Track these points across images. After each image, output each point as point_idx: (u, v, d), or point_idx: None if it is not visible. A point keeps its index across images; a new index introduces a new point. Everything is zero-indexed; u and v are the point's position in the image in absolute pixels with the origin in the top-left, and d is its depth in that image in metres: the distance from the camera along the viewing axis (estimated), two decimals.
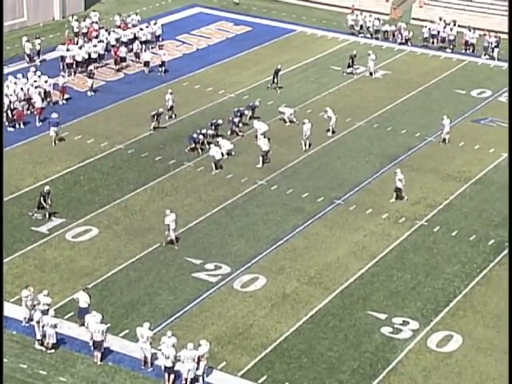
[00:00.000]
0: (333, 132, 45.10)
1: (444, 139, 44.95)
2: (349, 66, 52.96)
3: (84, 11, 60.29)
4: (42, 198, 36.34)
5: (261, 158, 41.50)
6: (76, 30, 55.07)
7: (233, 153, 42.19)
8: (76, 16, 57.03)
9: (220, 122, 43.82)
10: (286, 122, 45.90)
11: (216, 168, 40.91)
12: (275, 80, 49.98)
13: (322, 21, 62.10)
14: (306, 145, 43.23)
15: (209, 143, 42.38)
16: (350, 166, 42.30)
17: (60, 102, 47.00)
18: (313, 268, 34.44)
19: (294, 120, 45.76)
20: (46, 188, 36.71)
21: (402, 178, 38.64)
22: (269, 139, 42.09)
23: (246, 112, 45.28)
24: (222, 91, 49.61)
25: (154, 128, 44.45)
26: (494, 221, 38.42)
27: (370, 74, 52.69)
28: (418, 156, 43.96)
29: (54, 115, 43.43)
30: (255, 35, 58.96)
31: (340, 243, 36.26)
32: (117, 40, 53.39)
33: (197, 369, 27.80)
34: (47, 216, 36.46)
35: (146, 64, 51.86)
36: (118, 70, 51.67)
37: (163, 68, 51.74)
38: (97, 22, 55.56)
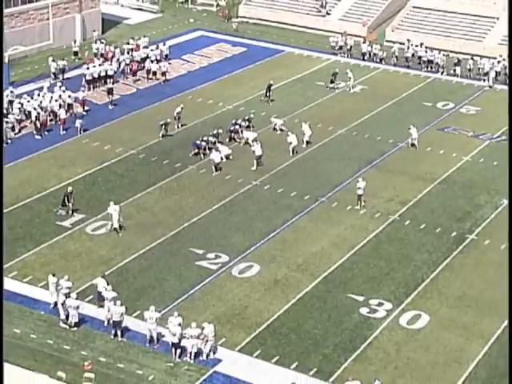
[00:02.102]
0: (308, 143, 44.52)
1: (412, 144, 44.90)
2: (331, 82, 52.94)
3: (102, 35, 60.17)
4: (65, 197, 36.22)
5: (255, 162, 41.46)
6: (95, 51, 54.95)
7: (231, 157, 42.14)
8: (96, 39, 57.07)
9: (220, 131, 43.78)
10: (276, 131, 45.86)
11: (216, 170, 40.86)
12: (268, 94, 49.92)
13: (308, 42, 61.99)
14: (292, 152, 43.08)
15: (210, 149, 42.32)
16: (332, 168, 42.28)
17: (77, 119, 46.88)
18: (300, 257, 34.44)
19: (284, 129, 45.68)
20: (69, 188, 36.59)
21: (363, 187, 38.04)
22: (261, 145, 42.05)
23: (243, 123, 45.19)
24: (221, 103, 49.58)
25: (162, 136, 44.36)
26: (456, 215, 38.43)
27: (349, 89, 52.63)
28: (391, 159, 43.95)
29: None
30: (250, 55, 58.86)
31: (324, 235, 36.25)
32: (131, 60, 53.43)
33: (204, 347, 27.84)
34: (70, 212, 36.37)
35: (164, 74, 52.92)
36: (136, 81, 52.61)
37: (165, 78, 52.68)
38: (111, 45, 55.48)
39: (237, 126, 44.71)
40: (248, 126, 45.38)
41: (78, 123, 44.57)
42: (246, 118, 45.99)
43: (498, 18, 61.67)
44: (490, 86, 54.37)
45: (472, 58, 56.47)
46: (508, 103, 48.80)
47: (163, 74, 52.98)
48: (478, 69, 55.60)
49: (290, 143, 43.16)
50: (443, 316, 31.13)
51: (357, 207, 38.13)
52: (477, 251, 35.59)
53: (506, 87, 54.30)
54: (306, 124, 45.01)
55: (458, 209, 39.01)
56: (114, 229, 35.35)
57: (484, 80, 55.23)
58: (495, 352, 29.34)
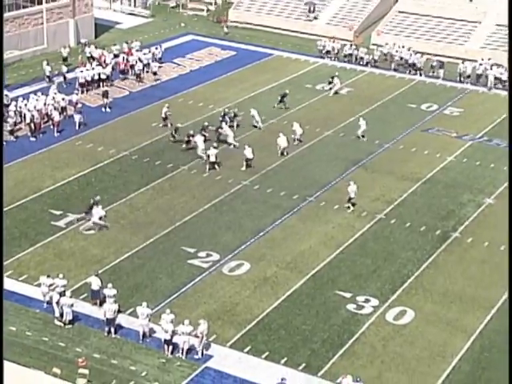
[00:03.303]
0: (300, 141, 44.82)
1: (362, 135, 45.37)
2: (329, 83, 52.81)
3: (95, 39, 60.04)
4: (92, 204, 35.55)
5: (244, 163, 41.43)
6: (88, 55, 54.81)
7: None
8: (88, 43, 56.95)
9: (206, 123, 44.06)
10: (255, 127, 45.89)
11: (209, 169, 40.75)
12: (282, 101, 49.19)
13: (296, 46, 62.01)
14: (281, 153, 43.02)
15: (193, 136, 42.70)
16: (320, 168, 42.30)
17: (74, 116, 46.64)
18: (289, 255, 34.45)
19: (260, 126, 46.00)
20: (98, 197, 36.05)
21: (355, 190, 37.80)
22: (252, 149, 41.90)
23: (227, 119, 45.41)
24: (211, 106, 49.52)
25: (175, 141, 43.72)
26: (440, 214, 38.52)
27: (336, 92, 52.62)
28: (378, 160, 44.01)
29: (79, 105, 46.48)
30: (239, 58, 58.81)
31: (312, 234, 36.27)
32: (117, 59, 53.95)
33: (199, 345, 27.88)
34: (87, 219, 35.62)
35: (155, 74, 53.53)
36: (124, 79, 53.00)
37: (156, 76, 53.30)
38: (104, 49, 55.44)
39: (223, 123, 44.79)
40: (231, 126, 45.26)
41: (76, 118, 44.95)
42: (232, 113, 46.09)
43: (479, 23, 61.86)
44: (490, 89, 54.15)
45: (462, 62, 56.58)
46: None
47: (154, 73, 53.19)
48: (460, 73, 55.67)
49: (279, 146, 43.11)
50: (428, 312, 31.21)
51: (349, 209, 37.82)
52: (460, 249, 35.68)
53: (486, 89, 54.47)
54: (296, 123, 45.12)
55: (442, 207, 39.10)
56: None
57: (466, 82, 55.31)
58: (478, 346, 29.46)
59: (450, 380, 27.78)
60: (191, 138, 42.83)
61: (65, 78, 51.15)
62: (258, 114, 46.53)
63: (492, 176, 42.63)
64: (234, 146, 43.54)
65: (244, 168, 41.29)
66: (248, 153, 41.52)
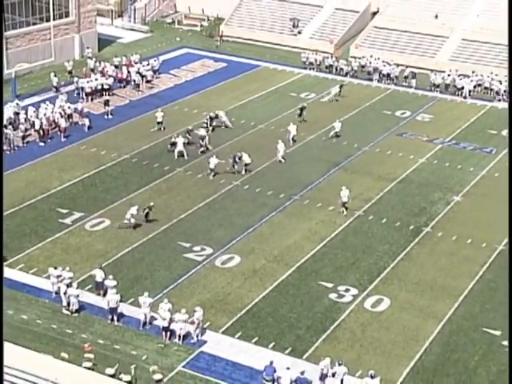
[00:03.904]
0: (294, 141, 45.09)
1: (337, 135, 45.41)
2: (340, 88, 52.87)
3: (98, 52, 59.88)
4: (147, 210, 35.20)
5: (243, 168, 40.77)
6: (92, 66, 54.68)
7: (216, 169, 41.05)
8: (92, 55, 56.81)
9: (190, 127, 44.15)
10: (227, 127, 46.11)
11: (214, 175, 40.26)
12: (301, 115, 48.36)
13: (282, 58, 61.92)
14: (280, 161, 42.63)
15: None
16: (304, 170, 42.26)
17: (79, 123, 46.60)
18: (276, 249, 34.42)
19: (230, 125, 45.92)
20: (151, 204, 35.68)
21: (347, 195, 37.39)
22: (249, 155, 41.64)
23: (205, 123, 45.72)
24: (205, 113, 49.25)
25: (189, 143, 43.61)
26: (413, 211, 38.56)
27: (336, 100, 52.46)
28: (356, 162, 44.02)
29: (86, 109, 46.63)
30: (230, 69, 58.71)
31: (297, 230, 36.25)
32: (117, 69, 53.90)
33: (195, 330, 27.84)
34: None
35: (148, 82, 53.73)
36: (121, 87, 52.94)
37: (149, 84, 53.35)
38: (107, 61, 55.32)
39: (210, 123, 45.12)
40: (207, 126, 45.27)
41: (85, 121, 45.25)
42: (212, 116, 46.06)
43: (447, 37, 61.99)
44: (465, 97, 54.00)
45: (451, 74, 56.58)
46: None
47: (148, 81, 53.19)
48: (431, 83, 55.76)
49: (278, 151, 42.81)
50: (402, 300, 31.25)
51: (343, 213, 37.28)
52: (431, 242, 35.74)
53: (455, 97, 54.59)
54: (293, 125, 45.37)
55: (415, 205, 39.15)
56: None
57: (436, 91, 55.42)
58: (447, 330, 29.53)
59: (423, 361, 27.84)
60: (176, 140, 42.74)
61: (78, 88, 51.00)
62: (225, 115, 46.51)
63: (460, 176, 42.71)
64: (207, 148, 43.11)
65: (243, 172, 40.80)
66: (246, 158, 41.06)
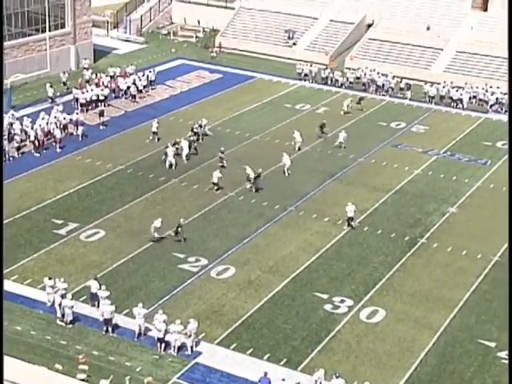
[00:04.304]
0: (299, 149, 45.46)
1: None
2: (358, 102, 52.87)
3: (93, 63, 59.95)
4: (178, 228, 34.77)
5: (247, 182, 40.49)
6: (87, 78, 54.76)
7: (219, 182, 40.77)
8: (88, 67, 56.93)
9: (177, 139, 44.15)
10: (207, 135, 46.44)
11: (217, 189, 40.05)
12: (322, 131, 47.90)
13: (277, 69, 62.07)
14: (287, 171, 42.49)
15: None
16: (299, 181, 42.27)
17: (74, 133, 46.62)
18: (271, 260, 34.38)
19: (208, 133, 46.38)
20: (182, 220, 35.28)
21: (353, 210, 37.08)
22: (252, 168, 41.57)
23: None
24: (207, 127, 49.32)
25: (194, 141, 44.55)
26: (408, 222, 38.57)
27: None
28: (351, 173, 44.06)
29: (81, 117, 47.17)
30: (225, 81, 58.83)
31: (292, 240, 36.23)
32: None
33: (189, 341, 27.76)
34: (182, 240, 34.90)
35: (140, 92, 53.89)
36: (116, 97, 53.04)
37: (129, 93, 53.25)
38: (102, 72, 55.44)
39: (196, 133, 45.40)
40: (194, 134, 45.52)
41: (80, 130, 45.39)
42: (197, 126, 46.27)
43: (442, 49, 62.27)
44: (465, 109, 53.92)
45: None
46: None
47: (140, 91, 53.36)
48: (424, 93, 55.96)
49: (284, 164, 42.64)
50: (398, 311, 31.23)
51: (348, 227, 37.01)
52: (426, 253, 35.75)
53: (450, 109, 54.77)
54: (297, 132, 45.59)
55: (410, 216, 39.17)
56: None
57: (431, 103, 55.58)
58: (443, 342, 29.50)
59: (418, 372, 27.79)
60: (167, 150, 42.76)
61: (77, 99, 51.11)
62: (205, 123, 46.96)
63: (455, 187, 42.79)
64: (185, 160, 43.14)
65: (248, 186, 40.42)
66: (250, 172, 40.59)
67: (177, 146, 43.71)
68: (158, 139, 45.83)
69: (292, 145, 45.62)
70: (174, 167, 42.44)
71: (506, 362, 28.37)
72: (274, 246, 35.49)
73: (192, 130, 46.07)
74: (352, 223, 37.13)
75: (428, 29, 63.14)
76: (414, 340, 29.45)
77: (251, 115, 51.91)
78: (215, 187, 40.12)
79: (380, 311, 31.05)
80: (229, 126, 49.57)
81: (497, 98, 54.60)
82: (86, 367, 26.17)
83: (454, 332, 30.03)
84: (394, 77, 57.65)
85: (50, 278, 30.08)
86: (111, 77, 54.68)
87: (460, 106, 54.64)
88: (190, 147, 44.23)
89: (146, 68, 57.96)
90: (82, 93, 50.67)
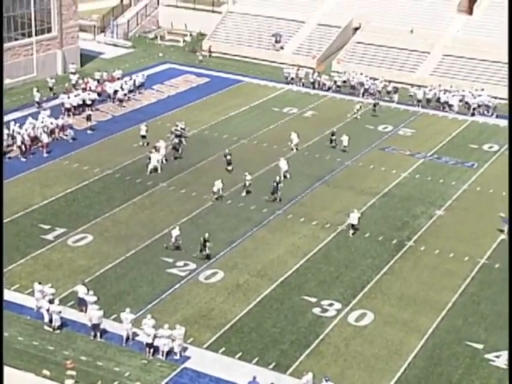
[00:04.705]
0: (296, 149, 45.92)
1: (296, 148, 46.17)
2: (374, 108, 53.13)
3: (81, 68, 59.85)
4: (204, 242, 34.01)
5: (244, 189, 40.39)
6: (73, 82, 54.66)
7: (221, 192, 40.17)
8: (75, 71, 56.85)
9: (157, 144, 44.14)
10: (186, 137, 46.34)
11: (216, 199, 39.63)
12: (332, 140, 47.22)
13: (264, 73, 62.21)
14: (285, 176, 42.33)
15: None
16: (287, 184, 42.19)
17: (60, 138, 46.49)
18: (259, 264, 34.40)
19: (187, 134, 46.31)
20: (207, 235, 34.33)
21: (357, 217, 36.94)
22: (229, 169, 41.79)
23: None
24: (188, 128, 49.31)
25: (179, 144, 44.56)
26: (396, 225, 38.70)
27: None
28: (339, 176, 44.15)
29: (70, 121, 47.47)
30: (213, 85, 58.86)
31: (280, 244, 36.27)
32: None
33: (178, 347, 27.71)
34: (204, 255, 34.17)
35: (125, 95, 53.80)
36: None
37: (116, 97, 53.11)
38: (88, 77, 55.37)
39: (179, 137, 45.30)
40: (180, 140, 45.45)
41: (68, 133, 45.58)
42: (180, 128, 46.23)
43: (428, 53, 62.58)
44: (457, 113, 53.97)
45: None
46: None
47: (125, 94, 53.06)
48: (410, 96, 56.22)
49: (280, 168, 42.62)
50: (386, 314, 31.31)
51: (352, 235, 36.88)
52: (414, 256, 35.87)
53: (436, 112, 55.01)
54: (294, 133, 45.97)
55: (398, 219, 39.29)
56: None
57: (418, 106, 55.80)
58: (431, 344, 29.60)
59: (406, 375, 27.87)
60: (150, 155, 42.80)
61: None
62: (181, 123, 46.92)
63: (442, 190, 42.98)
64: (159, 165, 42.75)
65: (244, 194, 40.26)
66: (248, 179, 40.46)
67: (156, 149, 43.62)
68: (147, 144, 45.79)
69: (289, 145, 45.99)
70: (157, 170, 42.30)
71: (494, 363, 28.52)
72: (262, 250, 35.52)
73: (172, 133, 45.99)
74: (351, 230, 36.94)
75: (412, 32, 63.45)
76: (402, 343, 29.53)
77: (239, 119, 51.97)
78: (215, 196, 39.57)
79: (368, 314, 31.12)
80: (216, 130, 49.60)
81: (478, 103, 54.73)
82: (73, 373, 26.09)
83: (441, 334, 30.15)
84: (385, 81, 57.76)
85: (39, 283, 29.96)
86: (98, 81, 54.65)
87: (450, 109, 54.79)
88: (176, 149, 44.27)
89: (133, 72, 57.92)
90: (68, 97, 50.58)
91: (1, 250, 31.01)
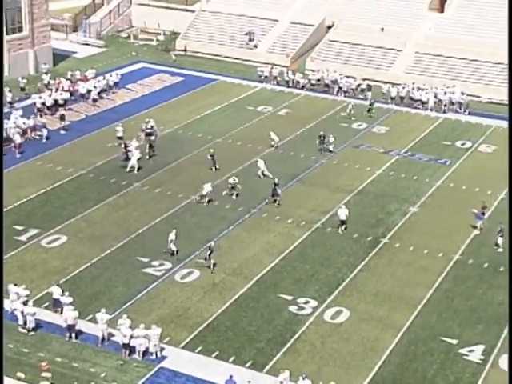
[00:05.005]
0: (276, 147, 46.08)
1: (277, 146, 46.28)
2: (369, 108, 53.17)
3: (53, 67, 59.39)
4: (210, 252, 33.33)
5: (234, 193, 40.12)
6: (46, 82, 54.24)
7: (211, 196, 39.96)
8: (46, 71, 56.41)
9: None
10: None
11: (208, 202, 39.33)
12: (322, 142, 46.68)
13: (238, 72, 62.20)
14: (264, 176, 42.38)
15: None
16: (261, 183, 42.28)
17: (35, 137, 46.21)
18: (235, 262, 34.42)
19: (156, 133, 46.17)
20: (212, 244, 33.79)
21: (346, 214, 37.16)
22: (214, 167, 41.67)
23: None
24: (162, 127, 49.26)
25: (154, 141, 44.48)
26: (370, 222, 38.90)
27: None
28: (314, 174, 44.29)
29: (43, 120, 47.43)
30: (187, 83, 58.71)
31: (256, 243, 36.32)
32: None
33: (153, 347, 27.65)
34: (211, 266, 33.50)
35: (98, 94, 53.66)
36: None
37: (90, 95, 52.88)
38: (61, 76, 55.01)
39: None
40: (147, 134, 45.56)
41: (42, 132, 45.36)
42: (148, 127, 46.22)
43: (401, 51, 62.97)
44: (431, 110, 54.32)
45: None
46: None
47: (94, 100, 52.76)
48: (383, 93, 56.56)
49: (259, 168, 42.69)
50: (361, 311, 31.49)
51: (340, 231, 37.08)
52: (389, 253, 36.11)
53: (410, 109, 55.36)
54: (273, 133, 46.11)
55: (372, 216, 39.51)
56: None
57: (392, 103, 56.10)
58: (406, 340, 29.83)
59: (382, 371, 28.07)
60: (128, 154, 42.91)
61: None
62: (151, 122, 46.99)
63: (416, 187, 43.30)
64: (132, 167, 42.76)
65: (234, 197, 39.86)
66: (232, 181, 40.27)
67: (128, 148, 43.49)
68: (125, 146, 45.37)
69: (273, 144, 46.18)
70: (136, 170, 42.25)
71: (468, 358, 28.82)
72: (238, 249, 35.53)
73: (143, 131, 45.95)
74: (342, 227, 37.08)
75: (382, 30, 63.84)
76: (378, 339, 29.73)
77: (213, 118, 51.93)
78: (204, 199, 39.16)
79: (344, 311, 31.28)
80: (191, 129, 49.51)
81: (450, 98, 55.17)
82: (49, 375, 25.94)
83: (416, 330, 30.39)
84: (363, 79, 57.89)
85: (15, 285, 29.71)
86: (71, 81, 54.28)
87: (424, 106, 55.18)
88: (151, 146, 44.34)
89: (107, 72, 57.61)
90: (40, 97, 50.21)
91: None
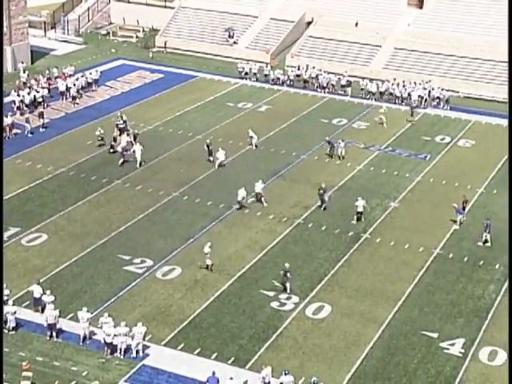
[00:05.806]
0: (256, 146, 45.82)
1: (256, 145, 46.04)
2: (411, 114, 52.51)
3: (31, 65, 58.93)
4: (283, 274, 31.98)
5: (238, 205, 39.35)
6: (24, 80, 53.81)
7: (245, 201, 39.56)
8: (24, 68, 55.95)
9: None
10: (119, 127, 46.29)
11: (238, 209, 38.58)
12: (332, 148, 45.86)
13: (218, 68, 62.09)
14: (219, 165, 42.88)
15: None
16: (243, 179, 42.20)
17: (10, 136, 45.89)
18: (217, 259, 34.33)
19: (135, 131, 46.03)
20: (287, 265, 32.11)
21: (362, 205, 37.51)
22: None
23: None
24: (142, 124, 49.16)
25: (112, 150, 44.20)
26: (352, 217, 38.93)
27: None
28: (295, 170, 44.34)
29: (26, 115, 47.39)
30: (167, 80, 58.54)
31: (237, 239, 36.30)
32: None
33: (136, 345, 27.56)
34: (287, 291, 31.96)
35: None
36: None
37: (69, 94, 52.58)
38: (42, 74, 54.58)
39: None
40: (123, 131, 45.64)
41: (28, 126, 45.65)
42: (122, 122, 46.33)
43: (380, 46, 63.18)
44: (413, 107, 53.84)
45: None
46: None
47: (73, 97, 52.37)
48: (362, 89, 56.69)
49: (217, 158, 42.83)
50: (343, 306, 31.58)
51: (353, 222, 37.63)
52: (370, 248, 36.24)
53: (390, 104, 55.49)
54: (251, 130, 46.10)
55: (354, 212, 39.54)
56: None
57: (371, 99, 56.27)
58: (387, 335, 29.97)
59: (364, 366, 28.18)
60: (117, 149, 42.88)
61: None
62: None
63: (396, 182, 43.48)
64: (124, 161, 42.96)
65: (237, 207, 39.05)
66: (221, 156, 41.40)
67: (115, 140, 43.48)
68: (111, 147, 45.24)
69: (251, 142, 46.05)
70: (141, 163, 42.62)
71: (449, 351, 29.01)
72: (220, 245, 35.47)
73: (117, 126, 45.87)
74: (355, 216, 37.71)
75: (356, 25, 64.03)
76: (360, 334, 29.84)
77: (193, 114, 51.80)
78: (238, 205, 38.60)
79: (326, 307, 31.36)
80: (171, 126, 49.36)
81: (429, 93, 55.42)
82: (30, 374, 25.75)
83: (398, 325, 30.54)
84: (349, 76, 57.85)
85: None
86: (49, 78, 53.91)
87: (402, 101, 55.39)
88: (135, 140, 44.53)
89: (86, 69, 57.27)
90: (18, 95, 49.79)
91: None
